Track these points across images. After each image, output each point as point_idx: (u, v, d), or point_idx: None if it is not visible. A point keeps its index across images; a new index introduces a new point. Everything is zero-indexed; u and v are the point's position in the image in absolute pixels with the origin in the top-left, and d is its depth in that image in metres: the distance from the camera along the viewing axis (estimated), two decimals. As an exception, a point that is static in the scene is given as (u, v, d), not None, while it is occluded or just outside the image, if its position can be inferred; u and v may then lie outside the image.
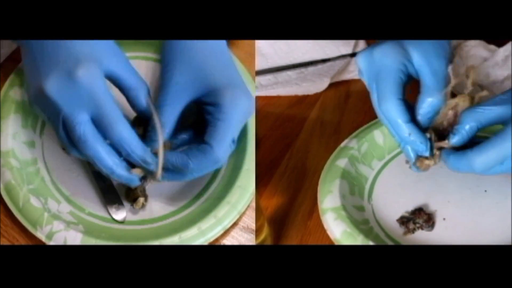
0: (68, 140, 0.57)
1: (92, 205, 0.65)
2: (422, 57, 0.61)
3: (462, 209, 0.66)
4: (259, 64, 0.86)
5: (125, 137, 0.57)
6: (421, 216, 0.65)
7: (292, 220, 0.68)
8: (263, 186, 0.71)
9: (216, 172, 0.68)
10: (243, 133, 0.68)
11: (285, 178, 0.73)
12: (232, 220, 0.64)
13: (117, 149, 0.58)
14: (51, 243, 0.60)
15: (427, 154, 0.61)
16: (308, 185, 0.71)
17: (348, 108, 0.82)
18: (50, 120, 0.58)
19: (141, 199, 0.64)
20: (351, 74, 0.87)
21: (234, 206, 0.64)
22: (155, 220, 0.65)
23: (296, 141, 0.78)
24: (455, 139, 0.60)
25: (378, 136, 0.73)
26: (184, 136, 0.63)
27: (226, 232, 0.65)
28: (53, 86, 0.56)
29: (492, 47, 0.81)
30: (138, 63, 0.71)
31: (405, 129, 0.61)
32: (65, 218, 0.62)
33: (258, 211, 0.63)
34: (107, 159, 0.57)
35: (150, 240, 0.61)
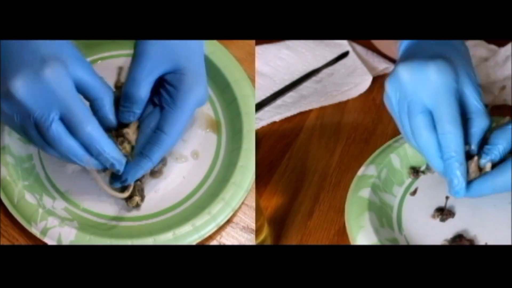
0: (43, 140, 0.57)
1: (87, 202, 0.65)
2: (467, 75, 0.59)
3: (501, 230, 0.62)
4: (267, 86, 0.85)
5: (94, 136, 0.57)
6: (462, 244, 0.61)
7: (292, 220, 0.68)
8: (263, 186, 0.71)
9: (211, 169, 0.68)
10: (238, 130, 0.69)
11: (285, 178, 0.73)
12: (226, 217, 0.64)
13: (88, 149, 0.58)
14: (46, 239, 0.61)
15: (460, 193, 0.58)
16: (308, 185, 0.71)
17: (348, 108, 0.82)
18: (20, 122, 0.56)
19: (137, 198, 0.64)
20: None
21: (228, 203, 0.64)
22: (149, 217, 0.65)
23: (296, 141, 0.77)
24: (486, 160, 0.58)
25: (395, 160, 0.69)
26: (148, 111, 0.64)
27: (226, 232, 0.65)
28: (21, 87, 0.55)
29: (492, 47, 0.81)
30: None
31: (462, 158, 0.57)
32: (60, 214, 0.63)
33: (258, 211, 0.63)
34: (82, 152, 0.58)
35: (144, 236, 0.61)
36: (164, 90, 0.62)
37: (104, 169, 0.61)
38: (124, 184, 0.62)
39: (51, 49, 0.57)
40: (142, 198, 0.65)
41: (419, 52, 0.61)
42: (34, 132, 0.56)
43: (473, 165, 0.59)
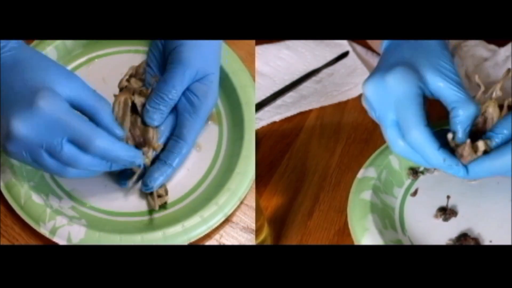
0: (59, 164, 0.57)
1: (93, 199, 0.65)
2: (437, 73, 0.59)
3: (504, 228, 0.62)
4: (267, 86, 0.85)
5: (106, 147, 0.57)
6: (467, 243, 0.61)
7: (292, 220, 0.68)
8: (263, 186, 0.71)
9: (214, 160, 0.69)
10: (239, 121, 0.70)
11: (285, 178, 0.73)
12: (233, 207, 0.64)
13: (104, 158, 0.58)
14: (55, 238, 0.61)
15: (466, 177, 0.59)
16: (308, 185, 0.71)
17: (348, 108, 0.82)
18: (30, 157, 0.56)
19: (166, 198, 0.65)
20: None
21: (235, 192, 0.65)
22: (157, 211, 0.65)
23: (296, 141, 0.77)
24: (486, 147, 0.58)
25: (394, 161, 0.69)
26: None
27: (226, 232, 0.65)
28: (20, 126, 0.55)
29: (492, 47, 0.81)
30: (130, 56, 0.73)
31: (439, 156, 0.58)
32: (67, 213, 0.63)
33: (258, 211, 0.63)
34: (101, 162, 0.58)
35: (153, 230, 0.62)
36: (185, 97, 0.65)
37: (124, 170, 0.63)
38: (148, 190, 0.64)
39: (40, 77, 0.57)
40: (166, 192, 0.66)
41: (384, 60, 0.63)
42: (49, 160, 0.56)
43: (466, 148, 0.58)
